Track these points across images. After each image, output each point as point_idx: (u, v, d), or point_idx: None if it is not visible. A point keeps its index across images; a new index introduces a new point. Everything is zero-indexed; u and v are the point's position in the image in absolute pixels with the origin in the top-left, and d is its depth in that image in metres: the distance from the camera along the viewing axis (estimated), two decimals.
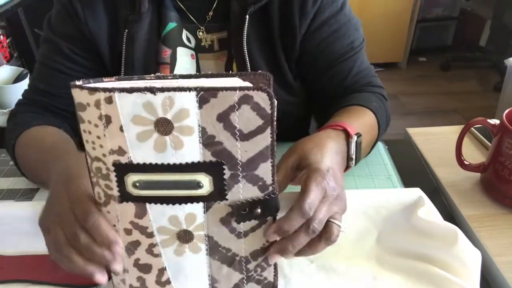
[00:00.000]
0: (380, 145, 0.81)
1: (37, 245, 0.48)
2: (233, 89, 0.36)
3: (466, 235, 0.54)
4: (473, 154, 0.79)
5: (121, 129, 0.38)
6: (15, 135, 0.68)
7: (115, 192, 0.41)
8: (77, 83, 0.37)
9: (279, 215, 0.44)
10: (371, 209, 0.61)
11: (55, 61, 0.74)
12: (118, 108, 0.37)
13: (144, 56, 0.73)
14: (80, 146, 0.42)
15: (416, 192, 0.61)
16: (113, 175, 0.40)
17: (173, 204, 0.41)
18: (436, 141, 0.83)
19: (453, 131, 0.86)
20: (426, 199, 0.60)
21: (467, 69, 3.16)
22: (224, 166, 0.40)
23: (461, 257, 0.53)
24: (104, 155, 0.39)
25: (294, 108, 0.82)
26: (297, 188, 0.47)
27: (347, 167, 0.57)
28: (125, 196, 0.41)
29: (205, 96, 0.36)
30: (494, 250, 0.59)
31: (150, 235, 0.44)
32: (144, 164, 0.39)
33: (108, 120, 0.38)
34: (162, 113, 0.37)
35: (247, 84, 0.38)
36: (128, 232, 0.44)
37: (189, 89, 0.36)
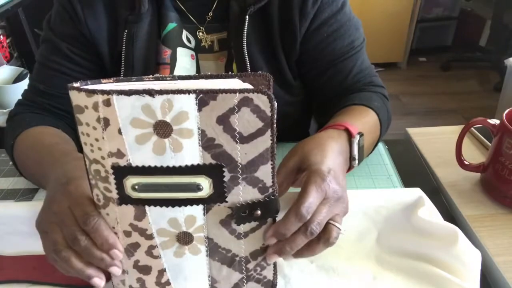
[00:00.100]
0: (380, 145, 0.81)
1: (37, 245, 0.48)
2: (233, 91, 0.36)
3: (466, 235, 0.54)
4: (473, 154, 0.79)
5: (119, 131, 0.38)
6: (14, 135, 0.68)
7: (114, 194, 0.41)
8: (75, 85, 0.37)
9: (280, 215, 0.44)
10: (371, 209, 0.61)
11: (55, 61, 0.74)
12: (116, 111, 0.36)
13: (144, 57, 0.73)
14: (80, 147, 0.42)
15: (416, 192, 0.61)
16: (112, 178, 0.40)
17: (173, 206, 0.41)
18: (436, 141, 0.83)
19: (453, 131, 0.85)
20: (426, 199, 0.60)
21: (467, 69, 3.16)
22: (224, 169, 0.40)
23: (461, 257, 0.53)
24: (102, 158, 0.39)
25: (294, 109, 0.82)
26: (298, 190, 0.47)
27: (350, 167, 0.57)
28: (124, 199, 0.41)
29: (204, 98, 0.36)
30: (494, 250, 0.59)
31: (150, 237, 0.43)
32: (143, 166, 0.39)
33: (106, 122, 0.37)
34: (161, 116, 0.37)
35: (247, 86, 0.38)
36: (127, 234, 0.44)
37: (188, 91, 0.36)
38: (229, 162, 0.39)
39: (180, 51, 0.75)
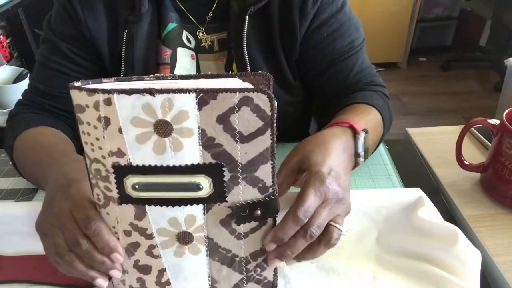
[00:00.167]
0: (380, 145, 0.81)
1: (37, 245, 0.48)
2: (233, 90, 0.36)
3: (466, 235, 0.54)
4: (473, 154, 0.79)
5: (120, 131, 0.38)
6: (14, 136, 0.68)
7: (115, 194, 0.41)
8: (76, 84, 0.37)
9: (280, 215, 0.44)
10: (371, 209, 0.61)
11: (55, 61, 0.74)
12: (117, 110, 0.36)
13: (144, 57, 0.73)
14: (80, 147, 0.42)
15: (416, 192, 0.61)
16: (112, 177, 0.40)
17: (173, 206, 0.41)
18: (436, 141, 0.83)
19: (453, 131, 0.85)
20: (426, 199, 0.60)
21: (467, 69, 3.16)
22: (224, 168, 0.39)
23: (461, 257, 0.53)
24: (103, 157, 0.39)
25: (294, 109, 0.82)
26: (299, 190, 0.47)
27: (356, 164, 0.56)
28: (124, 198, 0.41)
29: (204, 98, 0.36)
30: (494, 250, 0.59)
31: (150, 236, 0.43)
32: (144, 166, 0.39)
33: (107, 121, 0.37)
34: (161, 115, 0.37)
35: (247, 85, 0.38)
36: (127, 233, 0.44)
37: (188, 91, 0.36)
38: (229, 162, 0.39)
39: (180, 51, 0.75)
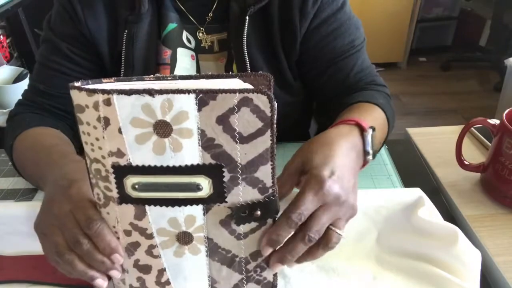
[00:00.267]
0: None
1: (37, 245, 0.48)
2: (233, 91, 0.36)
3: (466, 235, 0.54)
4: (473, 154, 0.79)
5: (119, 131, 0.38)
6: (14, 136, 0.68)
7: (115, 194, 0.41)
8: (76, 84, 0.37)
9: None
10: (371, 209, 0.61)
11: (55, 61, 0.74)
12: (116, 110, 0.37)
13: (144, 57, 0.73)
14: (79, 147, 0.42)
15: (416, 192, 0.61)
16: (112, 177, 0.40)
17: (173, 206, 0.41)
18: (436, 141, 0.83)
19: (453, 131, 0.86)
20: (426, 199, 0.60)
21: (467, 69, 3.16)
22: (223, 169, 0.39)
23: (461, 257, 0.53)
24: (103, 157, 0.39)
25: (294, 109, 0.82)
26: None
27: (365, 162, 0.55)
28: (124, 198, 0.41)
29: (204, 98, 0.36)
30: (494, 250, 0.59)
31: (150, 236, 0.44)
32: (143, 166, 0.39)
33: (106, 122, 0.37)
34: (161, 116, 0.37)
35: (247, 86, 0.38)
36: (127, 233, 0.44)
37: (188, 91, 0.36)
38: (228, 162, 0.39)
39: (180, 51, 0.75)
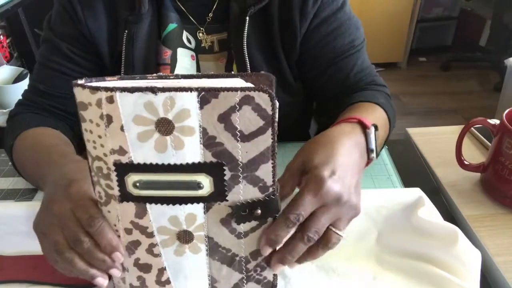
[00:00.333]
0: None
1: (37, 245, 0.48)
2: (234, 89, 0.36)
3: (466, 235, 0.54)
4: (473, 154, 0.79)
5: (122, 128, 0.38)
6: (14, 136, 0.68)
7: (116, 191, 0.41)
8: (79, 82, 0.37)
9: None
10: (371, 209, 0.61)
11: (55, 61, 0.74)
12: (119, 108, 0.37)
13: (144, 57, 0.73)
14: (79, 147, 0.42)
15: (416, 192, 0.61)
16: (113, 175, 0.40)
17: (173, 204, 0.41)
18: (436, 141, 0.83)
19: (453, 131, 0.86)
20: (426, 199, 0.60)
21: (467, 69, 3.16)
22: (224, 167, 0.39)
23: (461, 257, 0.53)
24: (105, 155, 0.40)
25: (294, 109, 0.82)
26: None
27: (369, 160, 0.54)
28: (125, 196, 0.41)
29: (206, 96, 0.36)
30: (494, 250, 0.59)
31: (150, 235, 0.44)
32: (145, 164, 0.39)
33: (109, 119, 0.38)
34: (163, 113, 0.37)
35: (249, 84, 0.38)
36: (128, 231, 0.44)
37: (190, 89, 0.36)
38: (230, 161, 0.39)
39: (181, 51, 0.75)
